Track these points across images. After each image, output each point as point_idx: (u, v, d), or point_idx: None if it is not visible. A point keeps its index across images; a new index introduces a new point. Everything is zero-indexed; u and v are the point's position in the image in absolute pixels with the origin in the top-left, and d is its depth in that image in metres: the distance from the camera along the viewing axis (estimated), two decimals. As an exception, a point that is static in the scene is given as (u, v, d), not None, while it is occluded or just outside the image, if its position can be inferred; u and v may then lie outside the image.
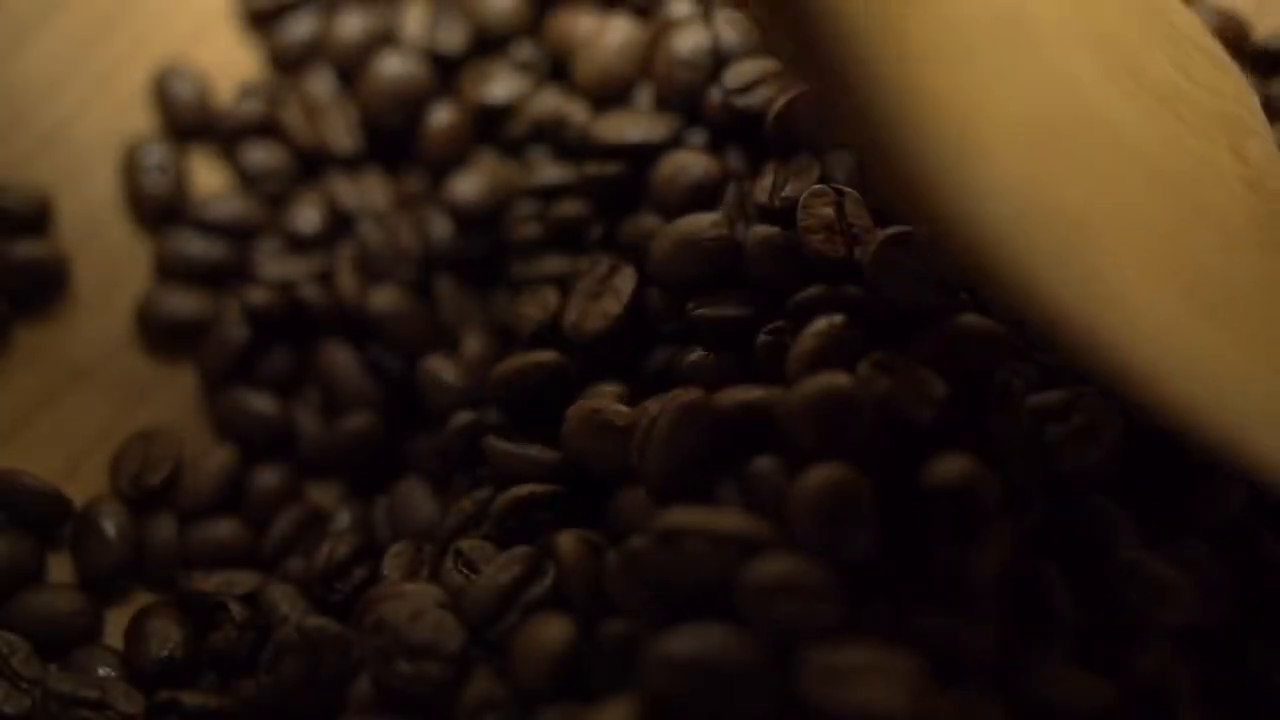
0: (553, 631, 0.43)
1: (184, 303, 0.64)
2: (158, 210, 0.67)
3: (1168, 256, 0.43)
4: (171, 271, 0.65)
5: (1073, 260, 0.37)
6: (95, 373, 0.64)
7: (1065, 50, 0.45)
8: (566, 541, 0.46)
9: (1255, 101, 0.58)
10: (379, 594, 0.49)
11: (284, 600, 0.54)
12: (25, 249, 0.64)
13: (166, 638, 0.54)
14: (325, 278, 0.64)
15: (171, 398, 0.63)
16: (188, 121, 0.69)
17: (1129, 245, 0.41)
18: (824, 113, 0.45)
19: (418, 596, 0.47)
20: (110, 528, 0.57)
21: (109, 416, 0.62)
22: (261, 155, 0.68)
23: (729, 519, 0.43)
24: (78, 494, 0.59)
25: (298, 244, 0.66)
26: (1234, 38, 0.62)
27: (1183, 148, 0.48)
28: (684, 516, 0.43)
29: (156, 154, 0.67)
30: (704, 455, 0.46)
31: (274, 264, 0.65)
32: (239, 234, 0.66)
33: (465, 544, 0.49)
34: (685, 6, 0.64)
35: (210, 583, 0.56)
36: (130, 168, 0.67)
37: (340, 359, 0.62)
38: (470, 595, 0.46)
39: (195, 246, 0.65)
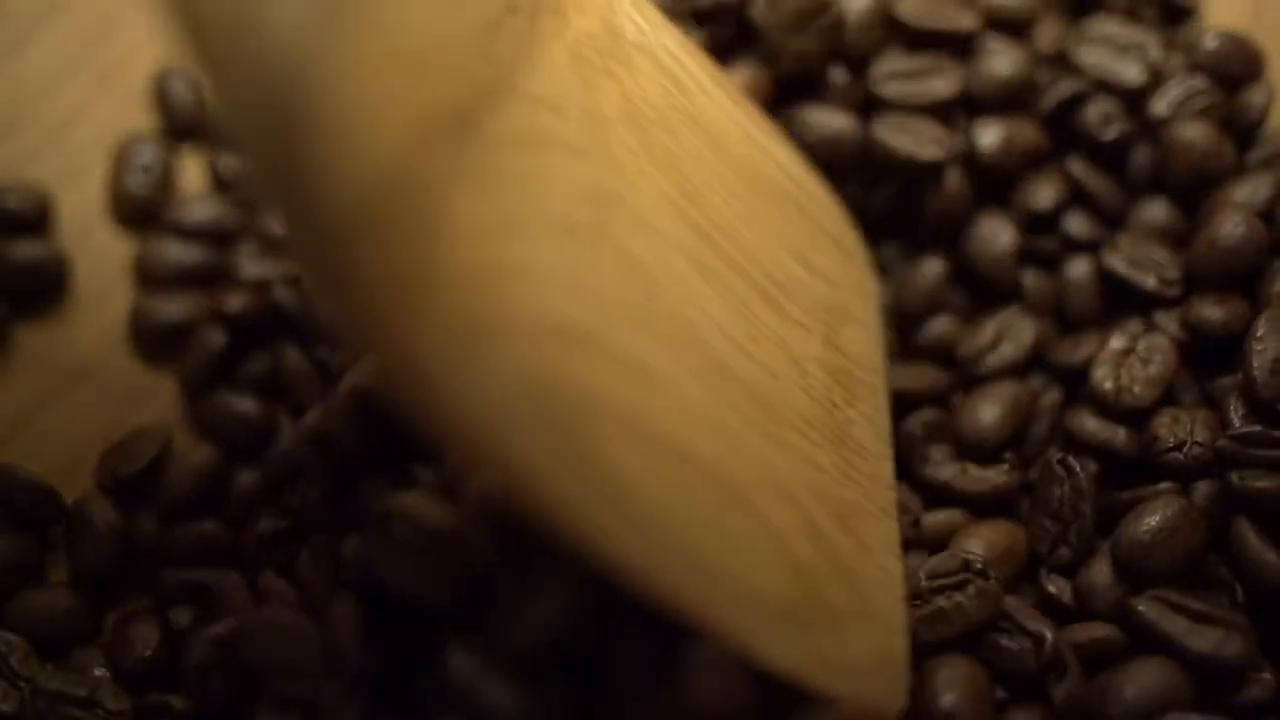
0: None
1: (171, 309, 0.64)
2: (139, 211, 0.67)
3: (694, 452, 0.44)
4: (149, 277, 0.65)
5: (573, 449, 0.39)
6: (95, 373, 0.64)
7: (649, 239, 0.46)
8: None
9: (870, 287, 0.62)
10: None
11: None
12: (25, 249, 0.64)
13: (148, 639, 0.54)
14: (298, 279, 0.64)
15: (170, 398, 0.63)
16: (185, 122, 0.69)
17: (644, 441, 0.42)
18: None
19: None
20: (100, 524, 0.57)
21: (108, 416, 0.62)
22: (237, 158, 0.68)
23: None
24: (76, 494, 0.59)
25: (273, 246, 0.65)
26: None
27: (764, 343, 0.50)
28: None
29: (147, 154, 0.68)
30: None
31: (252, 265, 0.65)
32: (216, 237, 0.66)
33: None
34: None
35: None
36: (118, 167, 0.67)
37: (292, 359, 0.62)
38: None
39: (173, 251, 0.66)
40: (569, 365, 0.40)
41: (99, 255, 0.66)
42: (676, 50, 0.55)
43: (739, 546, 0.44)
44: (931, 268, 0.64)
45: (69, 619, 0.56)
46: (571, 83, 0.47)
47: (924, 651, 0.52)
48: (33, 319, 0.64)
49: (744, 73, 0.64)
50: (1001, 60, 0.65)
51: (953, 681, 0.51)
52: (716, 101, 0.56)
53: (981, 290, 0.64)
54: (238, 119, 0.34)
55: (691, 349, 0.46)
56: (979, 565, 0.53)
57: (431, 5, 0.39)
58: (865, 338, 0.59)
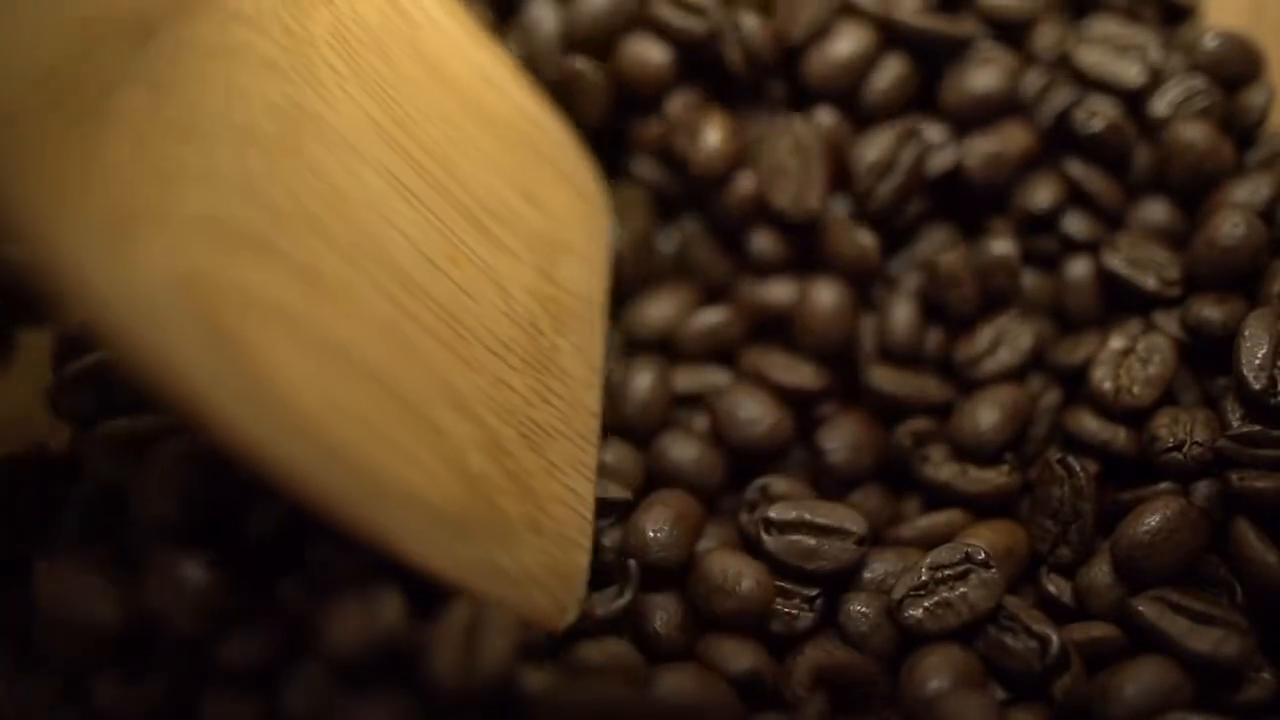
0: None
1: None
2: None
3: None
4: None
5: (223, 348, 0.40)
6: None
7: (343, 156, 0.48)
8: None
9: (600, 226, 0.64)
10: None
11: None
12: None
13: None
14: None
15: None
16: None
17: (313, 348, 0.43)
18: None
19: None
20: None
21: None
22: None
23: None
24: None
25: None
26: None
27: (465, 266, 0.52)
28: None
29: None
30: None
31: None
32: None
33: None
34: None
35: None
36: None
37: None
38: None
39: None
40: (230, 267, 0.41)
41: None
42: None
43: (406, 456, 0.45)
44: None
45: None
46: (275, 1, 0.48)
47: (928, 641, 0.52)
48: (33, 320, 0.64)
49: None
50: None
51: (940, 667, 0.51)
52: (448, 37, 0.58)
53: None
54: None
55: (377, 264, 0.47)
56: (980, 556, 0.53)
57: None
58: (585, 272, 0.61)
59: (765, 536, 0.56)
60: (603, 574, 0.56)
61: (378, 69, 0.52)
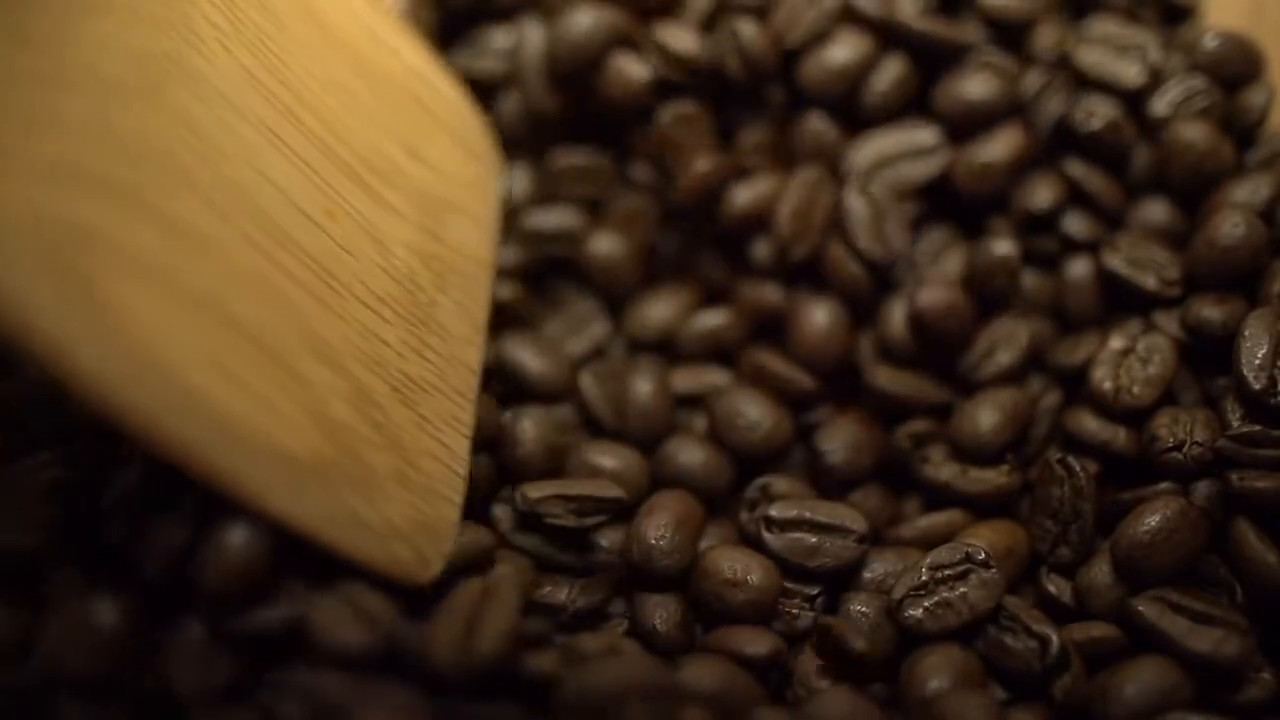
0: None
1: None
2: None
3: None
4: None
5: (79, 295, 0.41)
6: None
7: (218, 109, 0.49)
8: None
9: (491, 189, 0.65)
10: None
11: None
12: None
13: None
14: None
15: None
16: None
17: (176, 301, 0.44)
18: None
19: None
20: None
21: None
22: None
23: None
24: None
25: None
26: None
27: (342, 220, 0.52)
28: None
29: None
30: None
31: None
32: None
33: None
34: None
35: None
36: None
37: None
38: None
39: None
40: (88, 213, 0.42)
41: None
42: None
43: (265, 404, 0.45)
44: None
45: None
46: None
47: (928, 641, 0.52)
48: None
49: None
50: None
51: (940, 667, 0.51)
52: (343, 2, 0.59)
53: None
54: None
55: (248, 216, 0.48)
56: (980, 556, 0.53)
57: None
58: (474, 231, 0.61)
59: (767, 534, 0.56)
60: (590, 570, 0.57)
61: (261, 26, 0.53)
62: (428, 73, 0.63)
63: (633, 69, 0.66)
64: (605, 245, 0.68)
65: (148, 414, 0.42)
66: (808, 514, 0.56)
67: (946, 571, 0.53)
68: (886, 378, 0.63)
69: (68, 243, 0.41)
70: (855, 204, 0.64)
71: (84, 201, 0.42)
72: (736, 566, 0.54)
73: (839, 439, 0.62)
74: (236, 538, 0.45)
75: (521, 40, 0.69)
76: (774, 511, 0.56)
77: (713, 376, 0.65)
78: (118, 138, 0.44)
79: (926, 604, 0.53)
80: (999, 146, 0.65)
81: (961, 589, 0.53)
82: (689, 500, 0.57)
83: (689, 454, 0.61)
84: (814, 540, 0.55)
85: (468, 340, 0.58)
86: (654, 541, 0.55)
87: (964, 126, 0.66)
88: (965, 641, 0.53)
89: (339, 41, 0.57)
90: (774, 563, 0.55)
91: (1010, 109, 0.66)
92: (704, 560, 0.55)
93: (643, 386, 0.63)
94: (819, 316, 0.64)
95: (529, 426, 0.59)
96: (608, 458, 0.60)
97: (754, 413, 0.61)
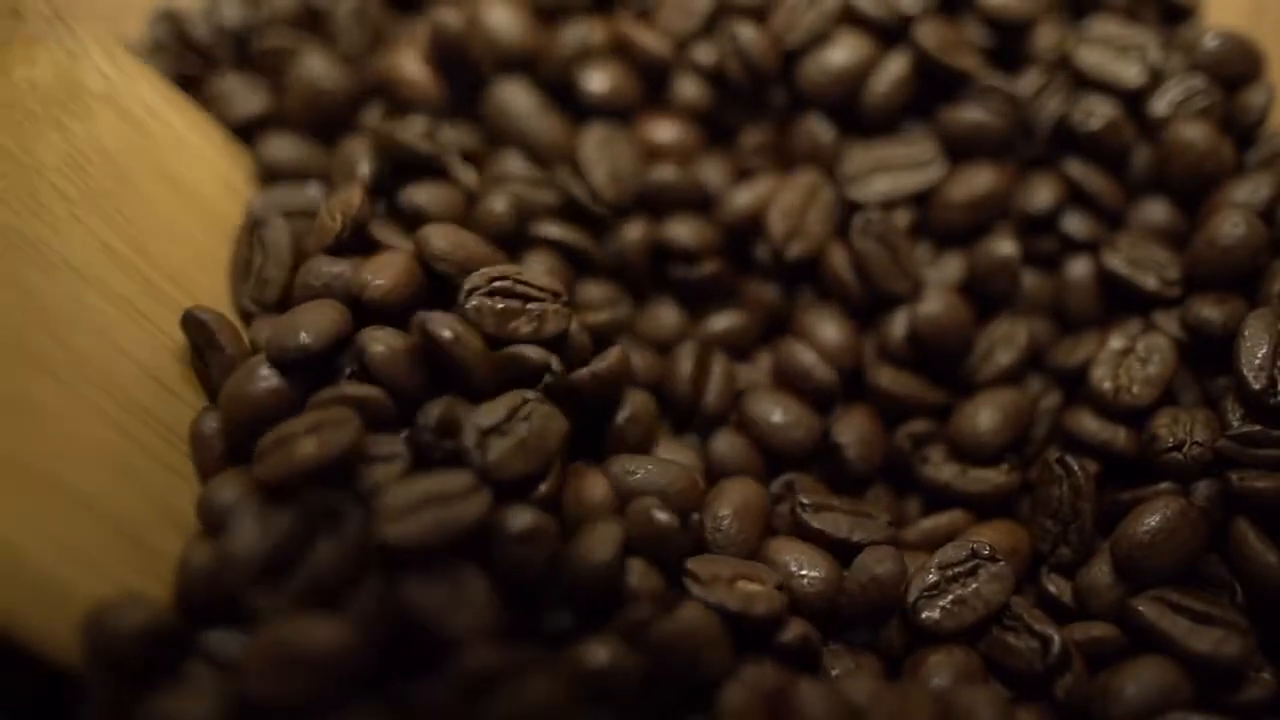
0: None
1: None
2: None
3: None
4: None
5: None
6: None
7: (69, 283, 0.48)
8: None
9: None
10: None
11: None
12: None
13: None
14: None
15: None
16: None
17: None
18: None
19: None
20: None
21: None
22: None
23: None
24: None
25: None
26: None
27: (193, 378, 0.52)
28: None
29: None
30: None
31: None
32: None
33: None
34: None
35: None
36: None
37: None
38: None
39: None
40: None
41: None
42: (154, 102, 0.58)
43: (107, 579, 0.45)
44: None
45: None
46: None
47: (946, 641, 0.52)
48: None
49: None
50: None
51: (943, 665, 0.51)
52: (194, 152, 0.59)
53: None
54: None
55: (101, 390, 0.48)
56: (986, 550, 0.53)
57: None
58: None
59: (806, 516, 0.56)
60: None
61: (114, 192, 0.53)
62: None
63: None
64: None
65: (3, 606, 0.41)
66: (835, 502, 0.57)
67: (956, 569, 0.53)
68: (889, 379, 0.63)
69: None
70: (869, 248, 0.64)
71: None
72: (802, 559, 0.54)
73: (853, 431, 0.61)
74: None
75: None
76: (805, 499, 0.56)
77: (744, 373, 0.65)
78: None
79: (942, 604, 0.53)
80: (982, 175, 0.65)
81: (973, 585, 0.53)
82: (752, 485, 0.57)
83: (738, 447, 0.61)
84: (851, 520, 0.56)
85: None
86: (717, 529, 0.54)
87: (958, 149, 0.66)
88: (975, 639, 0.53)
89: (191, 195, 0.57)
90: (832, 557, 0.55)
91: (1003, 140, 0.66)
92: (766, 551, 0.55)
93: (717, 375, 0.62)
94: (829, 331, 0.64)
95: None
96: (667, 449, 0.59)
97: (788, 415, 0.61)
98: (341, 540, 0.43)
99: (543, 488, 0.49)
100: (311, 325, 0.50)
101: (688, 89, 0.68)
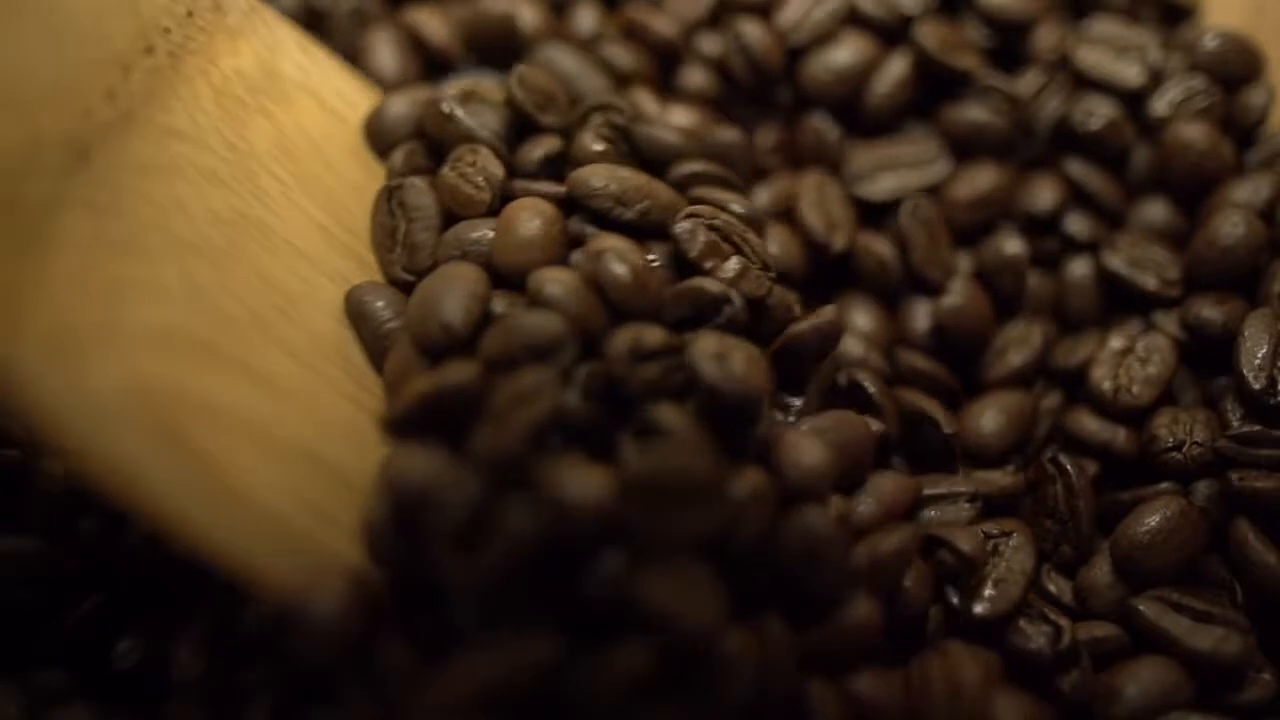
0: None
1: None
2: None
3: None
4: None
5: (179, 455, 0.41)
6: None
7: (293, 262, 0.50)
8: None
9: None
10: None
11: None
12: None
13: None
14: None
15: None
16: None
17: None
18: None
19: None
20: None
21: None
22: None
23: None
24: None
25: None
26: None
27: None
28: None
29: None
30: None
31: None
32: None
33: None
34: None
35: None
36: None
37: None
38: None
39: None
40: (181, 375, 0.43)
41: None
42: (343, 87, 0.59)
43: (348, 535, 0.46)
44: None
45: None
46: (216, 117, 0.50)
47: (1006, 624, 0.52)
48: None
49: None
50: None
51: (962, 662, 0.51)
52: (352, 133, 0.59)
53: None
54: None
55: (333, 364, 0.49)
56: (995, 530, 0.54)
57: (38, 47, 0.43)
58: None
59: None
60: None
61: (320, 175, 0.54)
62: None
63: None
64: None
65: (254, 561, 0.43)
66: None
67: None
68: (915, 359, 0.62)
69: (165, 406, 0.42)
70: (916, 232, 0.63)
71: (177, 364, 0.43)
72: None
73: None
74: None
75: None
76: None
77: None
78: (203, 298, 0.45)
79: (984, 593, 0.52)
80: (984, 174, 0.65)
81: (1003, 563, 0.53)
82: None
83: None
84: (933, 514, 0.55)
85: None
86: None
87: (960, 147, 0.66)
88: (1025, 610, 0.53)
89: (379, 172, 0.58)
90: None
91: (1004, 140, 0.66)
92: None
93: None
94: (861, 320, 0.64)
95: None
96: None
97: None
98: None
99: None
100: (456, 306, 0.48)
101: (696, 77, 0.68)
